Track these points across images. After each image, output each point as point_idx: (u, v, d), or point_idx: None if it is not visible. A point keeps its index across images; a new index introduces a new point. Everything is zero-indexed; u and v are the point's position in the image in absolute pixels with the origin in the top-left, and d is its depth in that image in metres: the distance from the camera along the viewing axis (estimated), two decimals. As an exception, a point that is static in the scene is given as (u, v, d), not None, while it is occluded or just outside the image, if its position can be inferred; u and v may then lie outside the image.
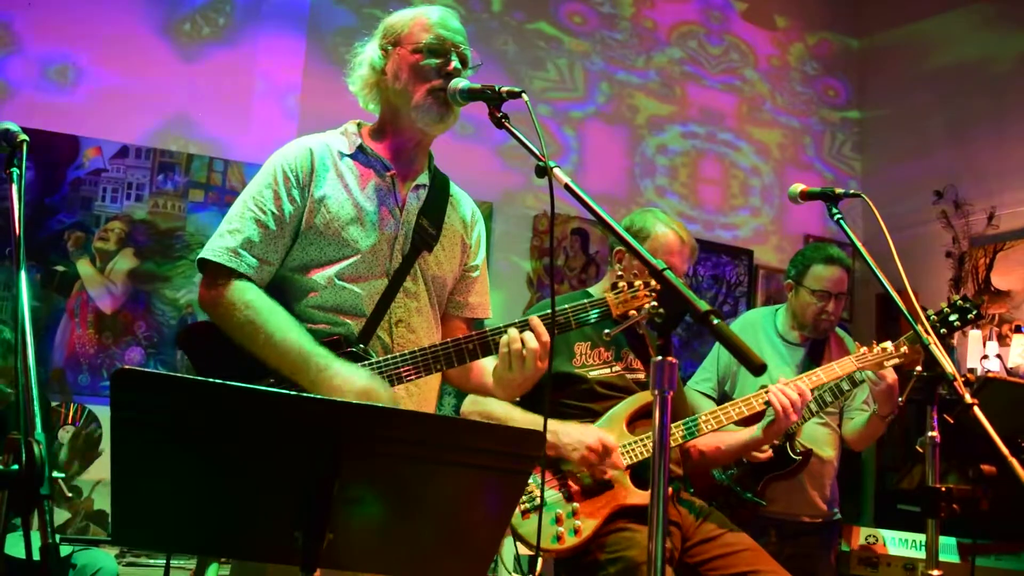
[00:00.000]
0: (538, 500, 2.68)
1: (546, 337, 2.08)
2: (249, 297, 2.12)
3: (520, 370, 2.08)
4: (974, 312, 3.06)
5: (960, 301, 3.09)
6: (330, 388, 2.02)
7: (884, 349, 3.13)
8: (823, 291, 3.55)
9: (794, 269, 3.65)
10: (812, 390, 3.12)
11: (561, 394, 2.88)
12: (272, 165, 2.24)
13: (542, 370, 2.09)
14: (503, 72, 5.60)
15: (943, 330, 3.06)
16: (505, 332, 2.11)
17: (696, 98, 6.42)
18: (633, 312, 2.20)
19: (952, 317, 3.06)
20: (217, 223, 2.24)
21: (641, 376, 2.98)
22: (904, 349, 3.11)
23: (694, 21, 6.51)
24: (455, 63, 2.19)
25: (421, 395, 2.27)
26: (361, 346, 2.16)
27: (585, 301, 2.26)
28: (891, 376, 3.14)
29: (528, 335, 2.08)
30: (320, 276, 2.18)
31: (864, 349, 3.15)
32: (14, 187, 1.77)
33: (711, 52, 6.52)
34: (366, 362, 2.13)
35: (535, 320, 2.10)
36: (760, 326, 3.73)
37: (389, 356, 2.16)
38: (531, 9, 5.90)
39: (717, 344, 3.73)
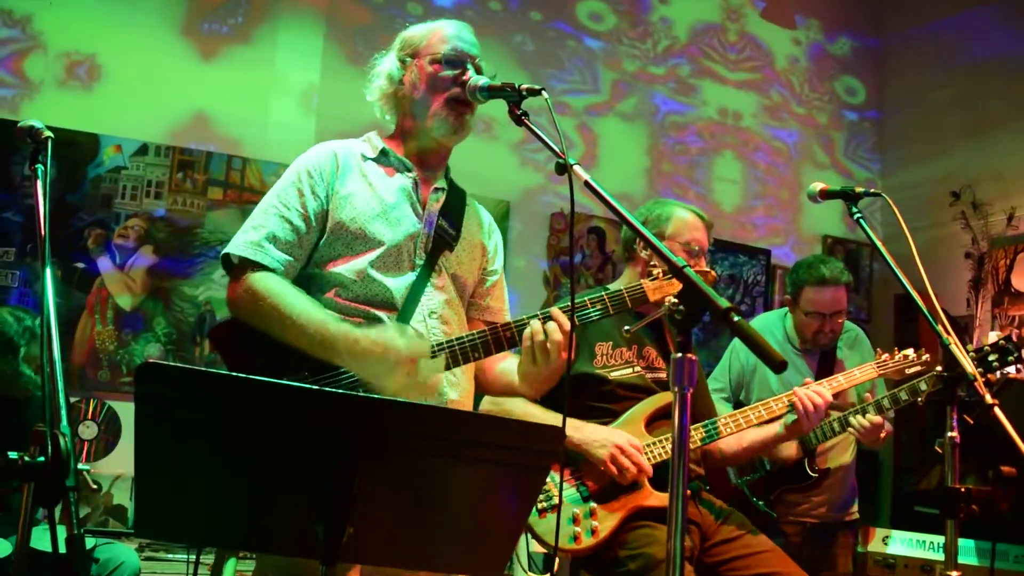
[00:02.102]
0: (555, 499, 2.68)
1: (567, 327, 2.07)
2: (272, 285, 2.12)
3: (545, 363, 2.08)
4: (1015, 355, 3.04)
5: (1003, 342, 3.06)
6: (367, 352, 2.01)
7: (905, 356, 3.13)
8: (817, 313, 3.53)
9: (791, 287, 3.63)
10: (835, 396, 3.10)
11: (582, 395, 2.88)
12: (296, 166, 2.27)
13: (565, 362, 2.09)
14: (521, 70, 5.61)
15: (980, 368, 3.04)
16: (537, 318, 2.12)
17: (714, 97, 6.41)
18: (670, 299, 2.20)
19: (991, 357, 3.03)
20: (235, 220, 2.25)
21: (662, 375, 2.98)
22: (926, 357, 3.10)
23: (713, 20, 6.49)
24: (471, 73, 2.21)
25: (460, 385, 2.27)
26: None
27: (622, 288, 2.27)
28: (877, 421, 3.17)
29: (551, 326, 2.07)
30: (347, 270, 2.18)
31: (885, 356, 3.15)
32: (39, 183, 1.78)
33: (730, 51, 6.51)
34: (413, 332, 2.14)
35: (556, 311, 2.10)
36: (769, 332, 3.71)
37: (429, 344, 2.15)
38: (549, 8, 5.91)
39: (728, 353, 3.72)
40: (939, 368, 2.31)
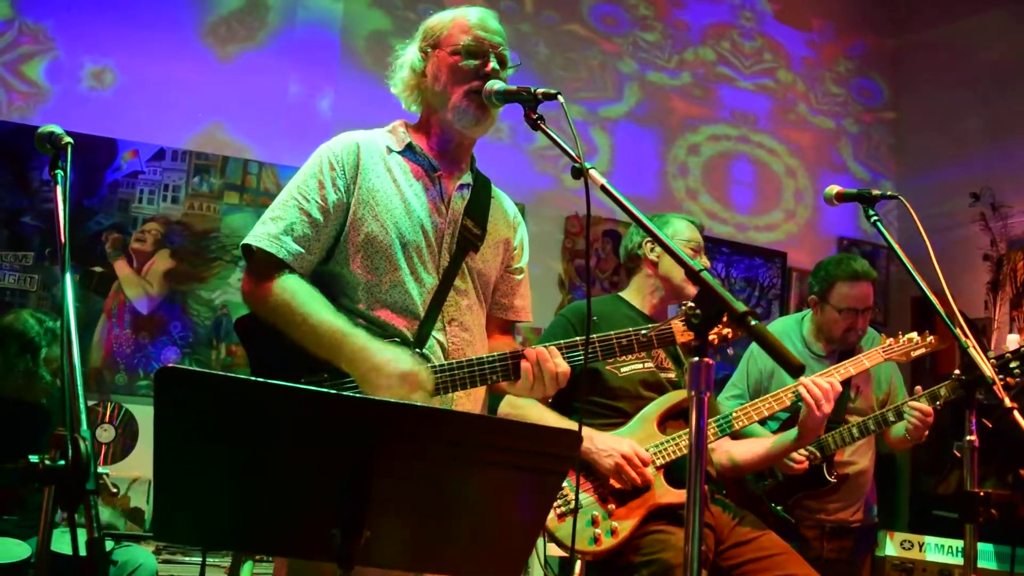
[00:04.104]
0: (573, 503, 2.69)
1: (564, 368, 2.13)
2: (286, 280, 2.11)
3: (541, 391, 2.14)
4: None
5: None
6: (371, 366, 2.01)
7: (910, 340, 3.14)
8: (850, 309, 3.51)
9: (818, 285, 3.60)
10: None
11: (591, 391, 2.88)
12: (318, 156, 2.24)
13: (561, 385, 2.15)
14: (535, 74, 5.61)
15: (1001, 376, 3.02)
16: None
17: (729, 99, 6.39)
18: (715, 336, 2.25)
19: (1013, 364, 3.02)
20: (251, 224, 2.24)
21: (672, 375, 2.99)
22: (931, 339, 3.10)
23: (727, 22, 6.48)
24: (493, 64, 2.18)
25: (476, 393, 2.28)
26: (419, 349, 2.14)
27: (651, 327, 2.30)
28: (929, 413, 3.17)
29: (559, 361, 2.12)
30: (369, 271, 2.17)
31: (891, 340, 3.15)
32: (58, 189, 1.79)
33: (744, 53, 6.49)
34: (427, 365, 2.12)
35: (556, 355, 2.14)
36: (787, 337, 3.67)
37: (449, 363, 2.15)
38: (563, 10, 5.91)
39: (745, 359, 3.70)
40: (957, 371, 2.30)
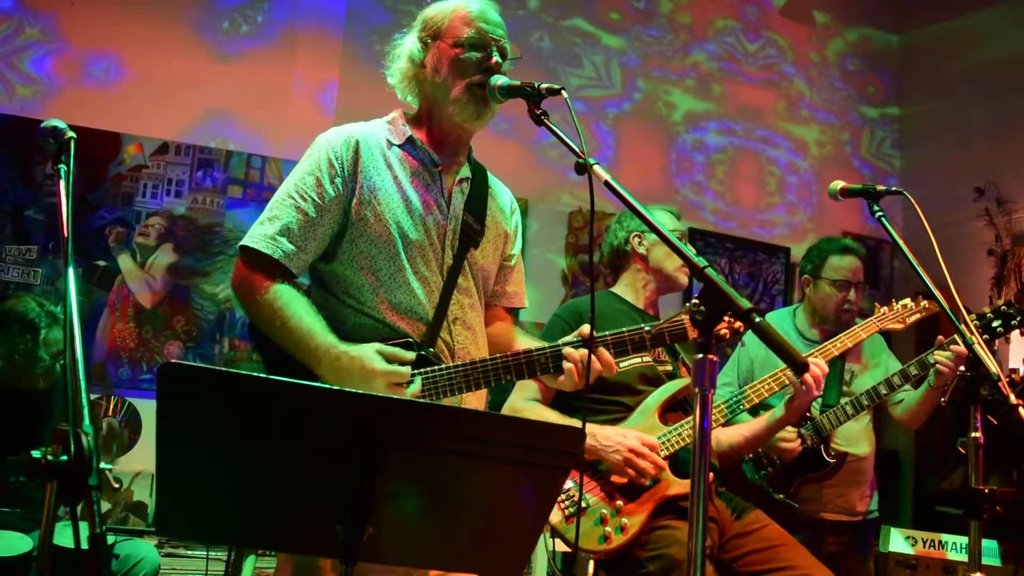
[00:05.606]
0: (579, 504, 2.69)
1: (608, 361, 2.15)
2: (276, 283, 2.11)
3: (573, 386, 2.16)
4: (1019, 318, 3.02)
5: (1004, 307, 3.05)
6: (341, 367, 2.01)
7: (904, 306, 3.16)
8: (843, 280, 3.56)
9: (810, 264, 3.66)
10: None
11: (591, 388, 2.87)
12: (316, 151, 2.23)
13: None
14: (538, 69, 5.59)
15: (985, 336, 3.02)
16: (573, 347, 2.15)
17: (733, 95, 6.37)
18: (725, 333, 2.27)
19: (995, 323, 3.01)
20: (255, 219, 2.24)
21: (669, 368, 2.99)
22: (924, 304, 3.11)
23: (731, 17, 6.46)
24: (495, 57, 2.17)
25: (480, 392, 2.26)
26: (431, 350, 2.14)
27: (664, 324, 2.29)
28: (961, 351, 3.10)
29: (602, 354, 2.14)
30: (375, 272, 2.16)
31: (884, 309, 3.17)
32: (62, 183, 1.78)
33: (749, 48, 6.47)
34: (439, 366, 2.12)
35: (601, 351, 2.15)
36: (779, 329, 3.68)
37: (462, 364, 2.14)
38: (567, 5, 5.89)
39: (737, 350, 3.71)
40: (962, 368, 2.30)
